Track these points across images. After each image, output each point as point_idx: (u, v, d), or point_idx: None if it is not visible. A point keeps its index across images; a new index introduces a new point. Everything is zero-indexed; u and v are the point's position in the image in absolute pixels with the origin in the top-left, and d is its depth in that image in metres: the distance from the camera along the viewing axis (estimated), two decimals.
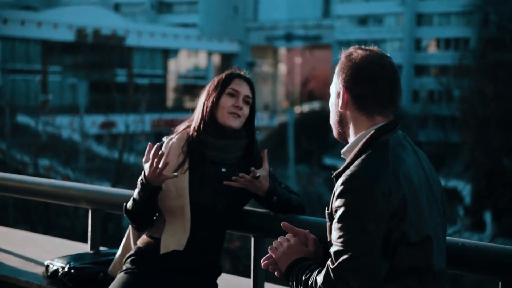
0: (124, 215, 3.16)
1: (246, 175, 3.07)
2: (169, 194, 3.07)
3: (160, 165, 2.93)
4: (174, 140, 3.17)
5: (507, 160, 30.01)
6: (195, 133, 3.15)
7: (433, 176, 2.41)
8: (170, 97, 54.26)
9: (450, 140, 37.07)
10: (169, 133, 3.30)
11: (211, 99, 3.15)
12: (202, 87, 3.31)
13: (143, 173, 3.02)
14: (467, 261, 2.75)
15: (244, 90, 3.19)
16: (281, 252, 2.46)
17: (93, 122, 27.18)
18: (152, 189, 3.00)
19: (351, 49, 2.45)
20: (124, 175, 16.94)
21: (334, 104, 2.46)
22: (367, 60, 2.38)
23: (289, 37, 61.74)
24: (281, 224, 2.58)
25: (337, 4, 59.97)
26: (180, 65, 54.37)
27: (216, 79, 3.21)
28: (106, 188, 4.43)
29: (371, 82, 2.36)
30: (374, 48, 2.44)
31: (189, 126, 3.20)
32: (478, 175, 29.43)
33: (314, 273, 2.29)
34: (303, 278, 2.32)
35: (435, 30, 55.42)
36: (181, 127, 3.24)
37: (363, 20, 58.68)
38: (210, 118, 3.14)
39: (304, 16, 62.03)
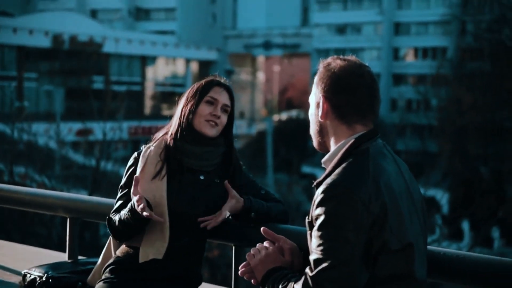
0: (108, 229, 3.13)
1: (215, 218, 3.07)
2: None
3: (138, 208, 2.92)
4: (152, 147, 3.16)
5: (484, 169, 30.26)
6: (172, 140, 3.13)
7: (413, 185, 2.43)
8: (148, 104, 54.14)
9: (428, 149, 37.33)
10: (147, 141, 3.27)
11: (189, 106, 3.14)
12: (180, 94, 3.29)
13: (132, 202, 3.00)
14: (449, 270, 2.75)
15: (223, 98, 3.17)
16: (258, 259, 2.46)
17: (69, 129, 26.93)
18: (142, 218, 2.98)
19: (329, 59, 2.47)
20: (101, 183, 16.82)
21: (314, 114, 2.47)
22: (346, 70, 2.39)
23: (267, 45, 61.92)
24: (261, 229, 2.59)
25: (315, 12, 60.26)
26: (158, 72, 54.29)
27: (195, 86, 3.19)
28: (84, 196, 4.40)
29: (350, 92, 2.37)
30: (352, 57, 2.45)
31: (167, 133, 3.19)
32: (455, 183, 29.65)
33: (291, 282, 2.29)
34: (280, 287, 2.31)
35: (413, 39, 55.90)
36: (159, 134, 3.22)
37: (341, 29, 59.02)
38: (187, 125, 3.12)
39: (283, 25, 62.24)
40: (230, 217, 3.19)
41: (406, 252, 2.25)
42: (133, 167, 3.16)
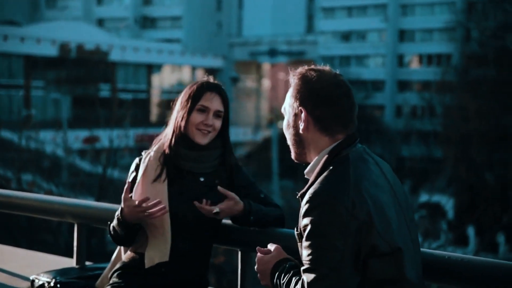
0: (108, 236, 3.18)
1: (206, 207, 3.02)
2: None
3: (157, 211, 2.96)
4: (152, 153, 3.18)
5: (489, 175, 30.17)
6: (169, 146, 3.15)
7: (397, 186, 2.42)
8: (154, 112, 54.18)
9: (433, 155, 37.20)
10: (148, 148, 3.30)
11: (181, 114, 3.13)
12: None
13: (120, 208, 3.04)
14: (454, 274, 2.77)
15: (215, 105, 3.14)
16: (262, 259, 2.47)
17: (76, 137, 27.03)
18: (129, 225, 3.02)
19: (301, 69, 2.46)
20: (108, 190, 16.83)
21: (291, 125, 2.46)
22: (324, 80, 2.39)
23: (272, 53, 61.87)
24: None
25: (320, 20, 60.29)
26: (164, 80, 54.33)
27: (188, 91, 3.17)
28: (91, 202, 4.42)
29: (331, 104, 2.37)
30: (325, 67, 2.45)
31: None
32: (460, 190, 29.56)
33: (293, 279, 2.30)
34: (285, 279, 2.34)
35: (417, 46, 55.83)
36: (158, 140, 3.24)
37: (346, 36, 59.02)
38: (181, 132, 3.13)
39: (288, 32, 62.26)
40: (229, 219, 3.19)
41: (395, 255, 2.25)
42: (135, 173, 3.19)
